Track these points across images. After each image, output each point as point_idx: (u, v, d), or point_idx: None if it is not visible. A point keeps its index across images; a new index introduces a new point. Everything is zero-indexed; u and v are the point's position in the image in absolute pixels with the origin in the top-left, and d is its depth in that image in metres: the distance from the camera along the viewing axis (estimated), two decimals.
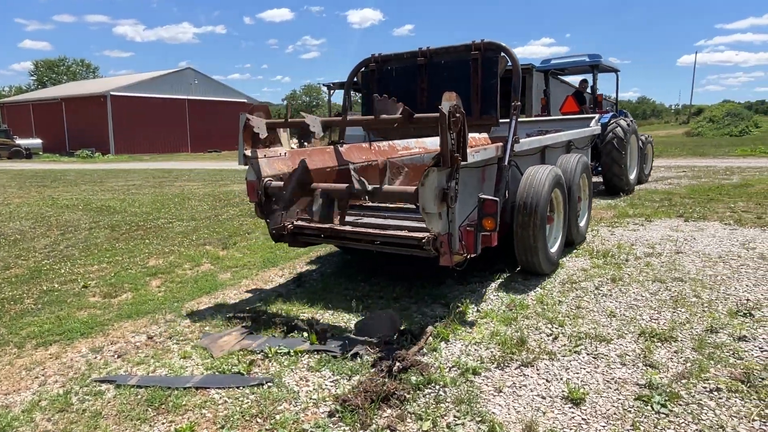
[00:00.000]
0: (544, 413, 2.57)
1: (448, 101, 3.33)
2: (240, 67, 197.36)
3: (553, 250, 4.94)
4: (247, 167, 4.25)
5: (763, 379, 2.79)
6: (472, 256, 3.83)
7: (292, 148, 4.72)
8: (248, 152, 4.22)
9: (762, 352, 3.13)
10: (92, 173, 20.19)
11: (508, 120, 4.61)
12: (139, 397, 2.83)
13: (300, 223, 4.42)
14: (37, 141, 37.65)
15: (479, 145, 5.75)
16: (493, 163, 4.31)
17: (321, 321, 3.85)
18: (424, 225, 3.86)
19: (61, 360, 3.35)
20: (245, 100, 47.89)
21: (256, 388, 2.87)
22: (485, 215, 3.70)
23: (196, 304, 4.36)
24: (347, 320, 3.85)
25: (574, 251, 5.52)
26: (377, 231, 4.10)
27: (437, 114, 3.37)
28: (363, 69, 5.95)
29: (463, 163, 3.54)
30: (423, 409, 2.61)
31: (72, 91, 42.86)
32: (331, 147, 5.02)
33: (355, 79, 6.08)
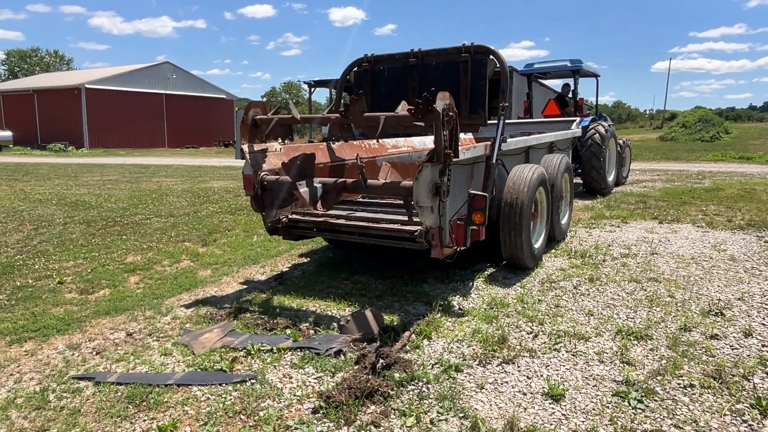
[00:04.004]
0: (525, 409, 2.62)
1: (442, 100, 3.40)
2: (219, 63, 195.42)
3: (537, 245, 5.13)
4: (244, 161, 4.30)
5: (733, 375, 2.89)
6: (462, 248, 3.93)
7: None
8: (245, 147, 4.28)
9: (732, 349, 3.24)
10: (66, 167, 19.70)
11: (495, 120, 4.73)
12: (119, 394, 2.79)
13: (295, 216, 4.50)
14: (8, 133, 36.60)
15: (466, 144, 5.84)
16: (482, 161, 4.42)
17: (304, 318, 3.85)
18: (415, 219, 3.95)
19: (37, 357, 3.28)
20: (224, 96, 47.34)
21: (239, 385, 2.86)
22: (475, 210, 3.84)
23: (176, 300, 4.30)
24: (330, 318, 3.85)
25: (553, 251, 5.62)
26: (371, 224, 4.18)
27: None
28: (356, 68, 6.01)
29: (454, 159, 3.62)
30: (406, 406, 2.64)
31: (45, 83, 41.65)
32: (324, 144, 5.10)
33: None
